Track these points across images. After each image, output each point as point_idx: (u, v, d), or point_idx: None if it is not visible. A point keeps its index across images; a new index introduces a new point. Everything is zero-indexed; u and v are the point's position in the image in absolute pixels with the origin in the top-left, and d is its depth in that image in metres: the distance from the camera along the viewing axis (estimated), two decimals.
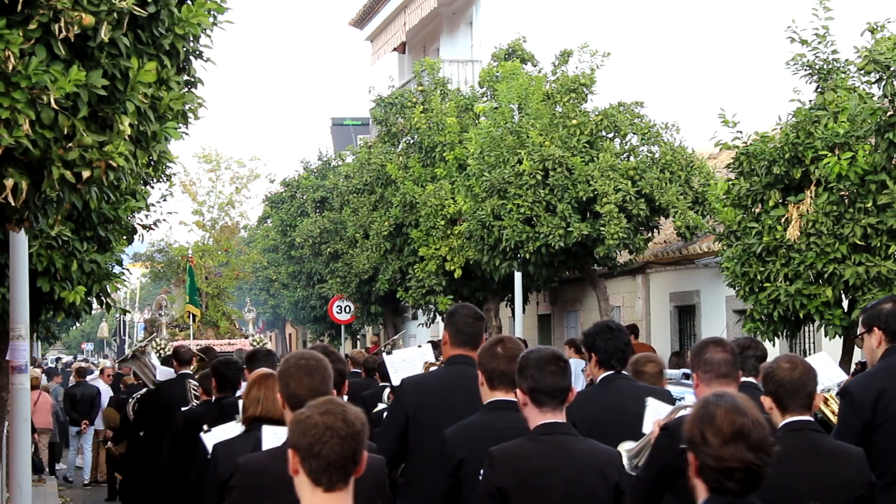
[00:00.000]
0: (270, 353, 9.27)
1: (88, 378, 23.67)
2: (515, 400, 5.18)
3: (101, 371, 25.28)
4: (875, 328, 6.33)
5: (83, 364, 30.02)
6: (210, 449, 6.33)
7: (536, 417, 5.02)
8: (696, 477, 3.76)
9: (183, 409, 10.78)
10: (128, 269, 25.66)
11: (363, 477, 3.99)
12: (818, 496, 5.08)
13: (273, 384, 5.70)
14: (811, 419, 5.34)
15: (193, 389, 11.47)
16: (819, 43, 12.93)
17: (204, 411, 9.40)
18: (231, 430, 6.47)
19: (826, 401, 6.86)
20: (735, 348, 5.82)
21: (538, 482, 4.86)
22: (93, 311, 13.35)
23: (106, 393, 22.70)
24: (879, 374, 6.25)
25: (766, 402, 5.36)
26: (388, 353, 10.81)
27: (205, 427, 7.08)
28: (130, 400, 14.93)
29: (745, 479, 3.68)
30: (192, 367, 12.56)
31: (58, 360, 60.08)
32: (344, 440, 3.73)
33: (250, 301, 36.86)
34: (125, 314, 34.21)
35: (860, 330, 6.51)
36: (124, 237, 11.07)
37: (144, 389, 14.24)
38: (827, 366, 7.66)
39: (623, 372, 6.70)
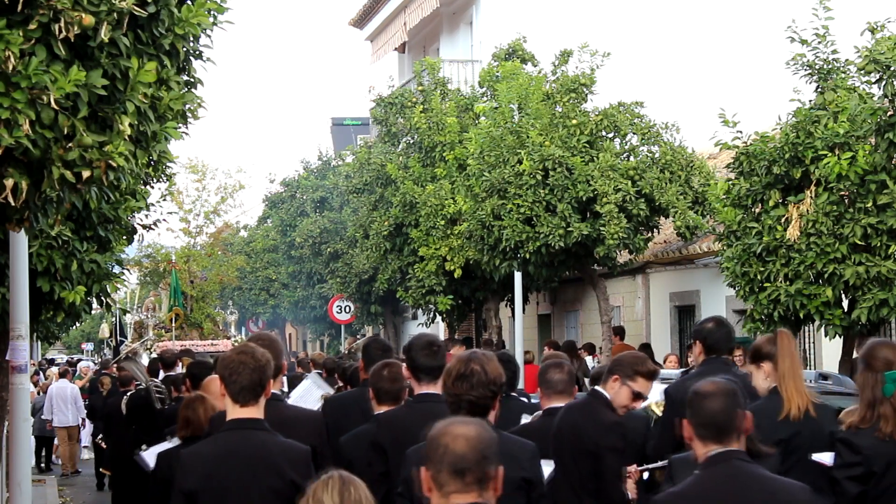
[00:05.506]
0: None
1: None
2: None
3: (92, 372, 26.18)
4: (697, 341, 7.48)
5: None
6: (149, 464, 7.41)
7: (417, 388, 6.23)
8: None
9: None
10: (128, 269, 25.77)
11: (306, 427, 6.05)
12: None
13: (199, 405, 7.01)
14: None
15: (157, 394, 11.66)
16: (819, 43, 12.93)
17: (174, 410, 9.65)
18: (165, 448, 7.23)
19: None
20: (572, 370, 7.22)
21: (411, 440, 5.57)
22: (93, 311, 13.37)
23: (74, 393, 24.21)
24: (693, 379, 7.34)
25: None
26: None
27: (143, 446, 7.57)
28: (124, 398, 15.41)
29: (471, 408, 5.12)
30: (176, 370, 12.78)
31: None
32: (253, 371, 5.30)
33: (232, 303, 36.94)
34: (125, 314, 34.31)
35: (691, 341, 7.70)
36: (124, 237, 11.06)
37: (136, 387, 14.69)
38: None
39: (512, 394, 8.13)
